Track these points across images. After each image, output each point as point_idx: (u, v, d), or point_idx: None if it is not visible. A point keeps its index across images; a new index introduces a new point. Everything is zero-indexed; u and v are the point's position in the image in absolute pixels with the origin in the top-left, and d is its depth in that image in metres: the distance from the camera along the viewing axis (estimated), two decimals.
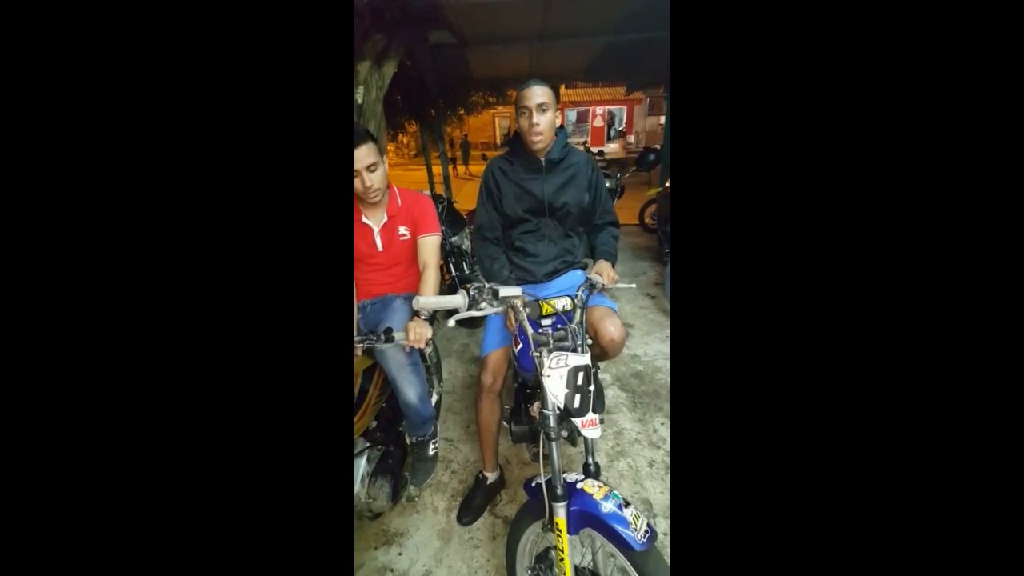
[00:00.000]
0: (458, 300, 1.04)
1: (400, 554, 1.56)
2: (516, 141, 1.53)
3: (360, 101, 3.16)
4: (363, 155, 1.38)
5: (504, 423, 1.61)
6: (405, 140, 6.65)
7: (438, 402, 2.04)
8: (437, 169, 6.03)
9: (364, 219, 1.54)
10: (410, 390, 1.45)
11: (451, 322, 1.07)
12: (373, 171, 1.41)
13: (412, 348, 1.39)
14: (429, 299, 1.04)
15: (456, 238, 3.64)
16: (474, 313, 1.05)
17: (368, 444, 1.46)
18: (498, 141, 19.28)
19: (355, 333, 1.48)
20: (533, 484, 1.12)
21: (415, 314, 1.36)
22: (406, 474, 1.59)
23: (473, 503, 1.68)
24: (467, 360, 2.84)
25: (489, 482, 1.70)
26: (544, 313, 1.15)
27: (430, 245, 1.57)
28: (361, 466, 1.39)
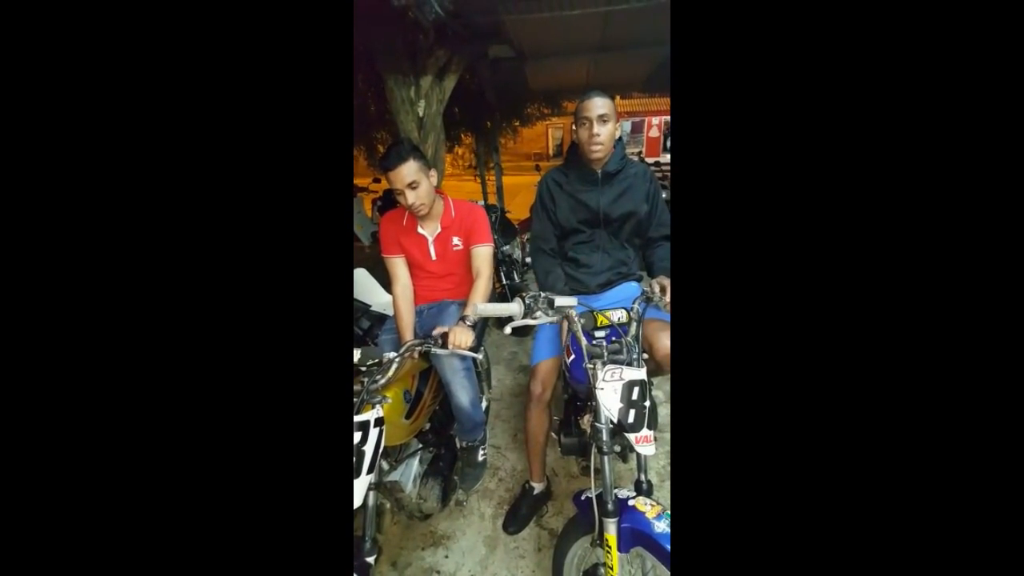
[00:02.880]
0: (514, 308, 1.05)
1: (447, 557, 1.59)
2: (572, 152, 1.54)
3: (421, 114, 3.29)
4: (403, 175, 1.41)
5: (553, 434, 1.61)
6: (460, 152, 6.82)
7: (487, 408, 2.07)
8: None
9: (419, 229, 1.60)
10: (463, 394, 1.48)
11: (507, 330, 1.08)
12: (415, 188, 1.43)
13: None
14: (487, 306, 1.06)
15: (508, 247, 3.68)
16: (529, 322, 1.06)
17: (421, 446, 1.50)
18: (550, 152, 19.39)
19: (412, 336, 1.53)
20: (583, 497, 1.11)
21: (461, 319, 1.40)
22: (455, 478, 1.62)
23: (519, 513, 1.68)
24: (515, 368, 2.86)
25: (536, 492, 1.69)
26: (599, 324, 1.14)
27: (483, 255, 1.60)
28: (414, 467, 1.43)
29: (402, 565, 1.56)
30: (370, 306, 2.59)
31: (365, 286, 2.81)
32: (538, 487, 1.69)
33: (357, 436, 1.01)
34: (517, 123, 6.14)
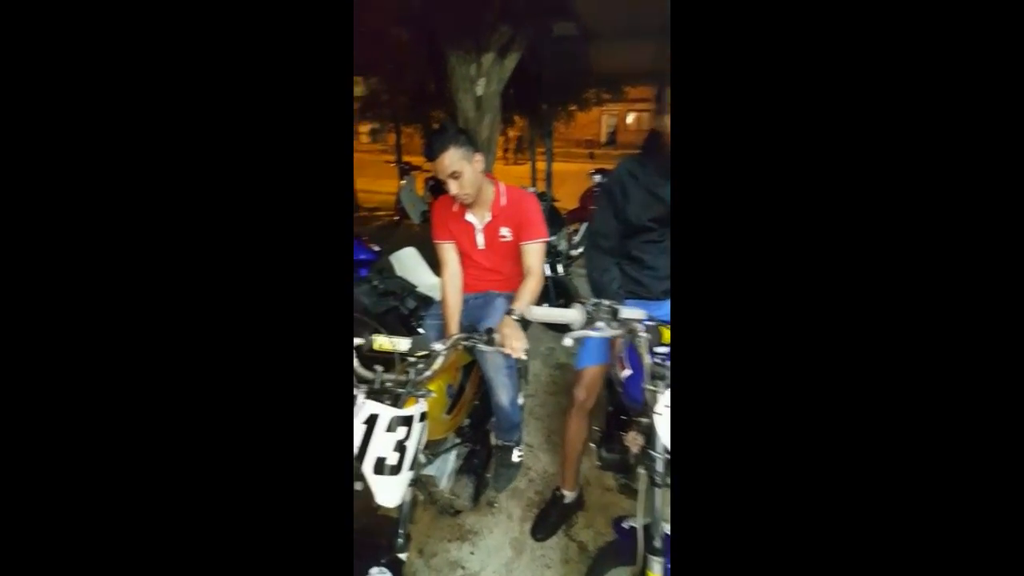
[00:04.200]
0: (573, 315, 0.97)
1: (472, 553, 1.55)
2: (653, 141, 1.36)
3: (480, 93, 3.20)
4: (444, 164, 1.33)
5: (592, 444, 1.53)
6: (512, 134, 6.69)
7: (521, 406, 2.01)
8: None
9: (468, 216, 1.51)
10: (504, 393, 1.42)
11: (567, 340, 1.00)
12: (457, 178, 1.35)
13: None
14: (542, 310, 0.98)
15: (554, 238, 3.58)
16: (589, 333, 0.98)
17: (458, 440, 1.46)
18: (602, 139, 18.90)
19: (457, 327, 1.47)
20: (626, 526, 1.03)
21: (507, 312, 1.30)
22: (488, 475, 1.58)
23: (548, 519, 1.62)
24: (552, 364, 2.78)
25: (567, 501, 1.62)
26: (663, 341, 1.04)
27: (535, 252, 1.48)
28: (450, 462, 1.39)
29: (428, 554, 1.54)
30: (416, 287, 2.56)
31: (412, 266, 2.77)
32: (569, 496, 1.62)
33: (402, 431, 0.97)
34: (574, 107, 5.93)
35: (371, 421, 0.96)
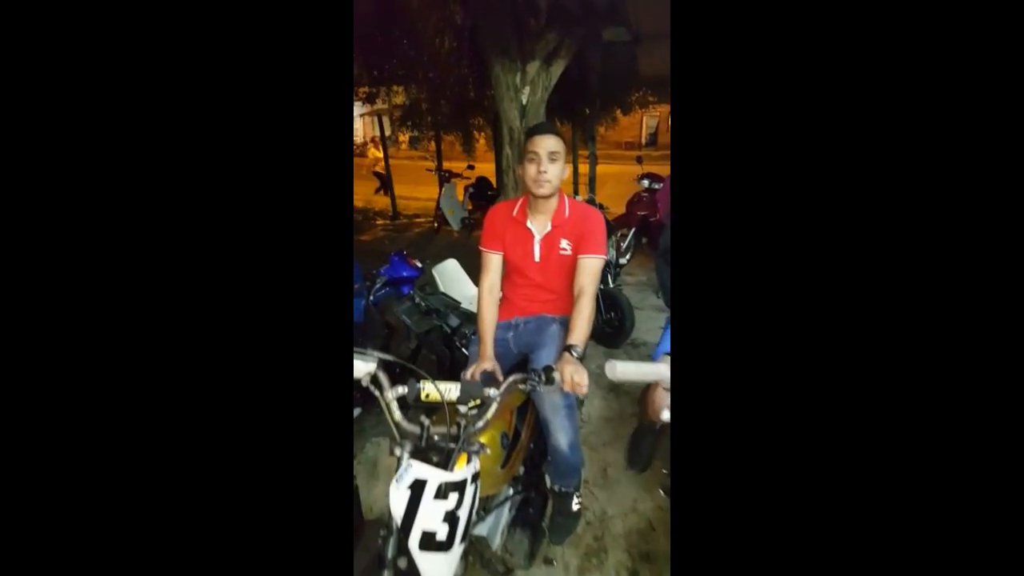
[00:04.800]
0: (666, 371, 0.82)
1: None
2: None
3: (525, 102, 3.09)
4: (550, 142, 1.29)
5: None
6: None
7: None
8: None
9: (528, 223, 1.40)
10: (562, 436, 1.28)
11: (611, 371, 0.83)
12: (555, 160, 1.30)
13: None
14: (628, 366, 0.83)
15: None
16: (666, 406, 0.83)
17: (511, 492, 1.32)
18: (643, 141, 18.56)
19: (493, 349, 1.34)
20: None
21: (567, 348, 1.17)
22: (544, 525, 1.44)
23: (641, 448, 1.47)
24: (604, 386, 2.61)
25: (658, 427, 1.42)
26: None
27: (591, 268, 1.35)
28: (503, 518, 1.25)
29: None
30: (460, 303, 2.46)
31: (455, 279, 2.67)
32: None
33: (453, 498, 0.85)
34: (618, 111, 5.74)
35: (417, 488, 0.81)
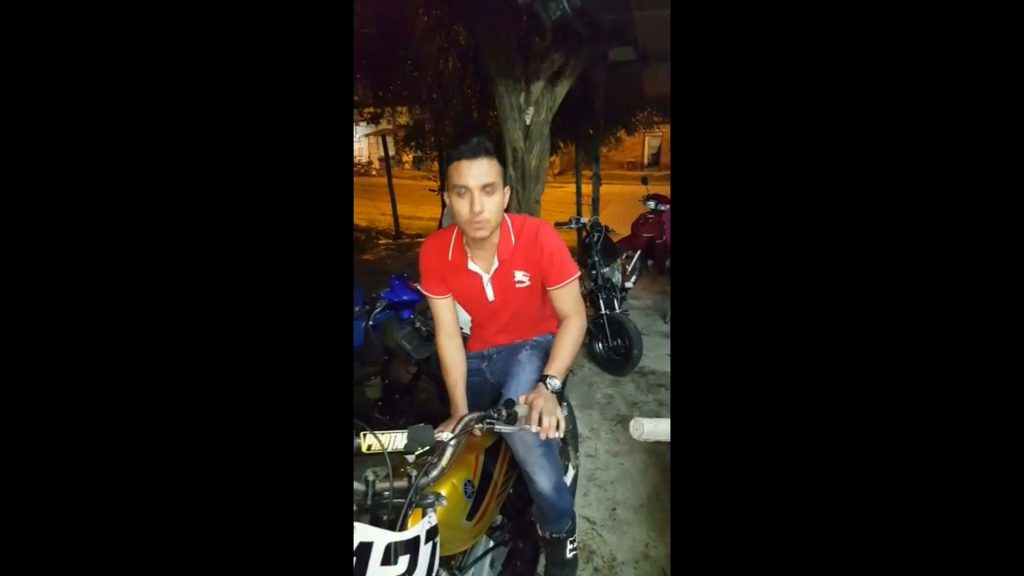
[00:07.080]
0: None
1: None
2: None
3: (529, 122, 3.05)
4: (482, 169, 1.03)
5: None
6: (555, 160, 6.58)
7: (574, 478, 1.72)
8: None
9: (471, 265, 1.20)
10: (543, 477, 1.13)
11: (637, 433, 0.72)
12: (490, 194, 1.05)
13: None
14: (660, 425, 0.71)
15: (607, 270, 3.31)
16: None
17: (492, 544, 1.17)
18: (645, 161, 18.76)
19: (465, 396, 1.21)
20: None
21: (541, 379, 1.03)
22: None
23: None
24: (611, 417, 2.49)
25: None
26: None
27: (568, 294, 1.19)
28: (484, 573, 1.11)
29: None
30: (461, 329, 2.37)
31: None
32: None
33: (403, 563, 0.72)
34: (622, 131, 5.72)
35: (363, 552, 0.70)
